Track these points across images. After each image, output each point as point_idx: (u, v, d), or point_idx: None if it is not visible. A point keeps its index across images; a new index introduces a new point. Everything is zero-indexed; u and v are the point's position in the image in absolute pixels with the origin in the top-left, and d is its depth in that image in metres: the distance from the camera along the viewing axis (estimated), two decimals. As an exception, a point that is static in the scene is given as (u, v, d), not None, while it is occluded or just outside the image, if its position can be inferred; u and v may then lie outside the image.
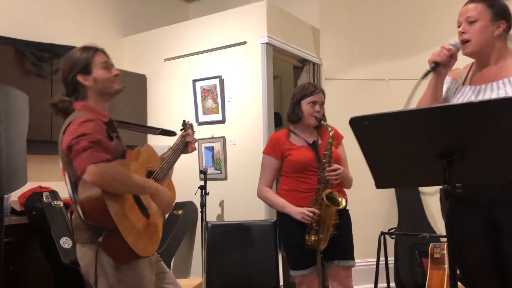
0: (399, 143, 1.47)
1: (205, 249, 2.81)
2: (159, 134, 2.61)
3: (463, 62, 2.01)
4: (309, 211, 2.42)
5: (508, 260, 1.77)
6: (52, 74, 3.72)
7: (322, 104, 2.62)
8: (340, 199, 2.46)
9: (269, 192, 2.63)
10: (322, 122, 2.53)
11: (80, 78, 1.87)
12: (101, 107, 1.94)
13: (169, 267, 3.97)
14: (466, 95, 1.89)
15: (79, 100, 1.90)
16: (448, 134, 1.39)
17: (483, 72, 1.90)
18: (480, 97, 1.85)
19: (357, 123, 1.48)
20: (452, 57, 1.84)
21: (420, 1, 4.55)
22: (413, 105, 1.92)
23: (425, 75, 1.84)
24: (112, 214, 1.68)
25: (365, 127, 1.48)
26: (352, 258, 2.57)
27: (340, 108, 4.48)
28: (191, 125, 2.53)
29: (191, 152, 2.40)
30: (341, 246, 2.53)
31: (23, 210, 3.35)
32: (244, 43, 3.94)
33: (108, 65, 1.94)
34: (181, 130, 2.48)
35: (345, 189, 2.64)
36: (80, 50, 1.93)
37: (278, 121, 4.90)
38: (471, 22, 1.85)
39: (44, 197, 3.34)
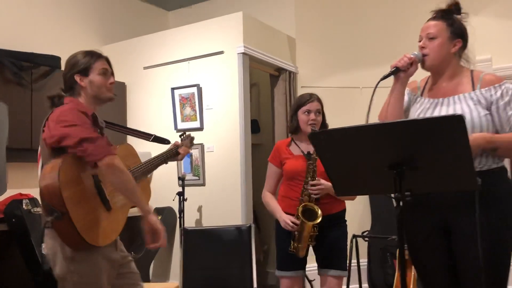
0: (354, 155, 1.60)
1: (182, 254, 2.91)
2: (152, 140, 2.69)
3: (421, 75, 2.17)
4: (291, 221, 2.52)
5: (459, 261, 1.90)
6: (32, 83, 3.78)
7: (317, 111, 2.64)
8: (318, 212, 2.49)
9: (269, 197, 2.74)
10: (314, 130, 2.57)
11: (77, 77, 2.04)
12: (90, 106, 2.06)
13: (148, 271, 4.07)
14: (425, 106, 2.04)
15: (71, 96, 2.05)
16: (397, 147, 1.52)
17: (441, 87, 2.05)
18: (438, 109, 1.99)
19: (315, 138, 1.61)
20: (412, 64, 1.98)
21: (392, 12, 4.72)
22: (376, 110, 2.08)
23: (385, 77, 1.97)
24: (64, 197, 1.78)
25: (322, 141, 1.61)
26: (344, 268, 2.64)
27: (315, 115, 4.63)
28: (191, 139, 2.69)
29: (179, 160, 2.55)
30: (336, 256, 2.60)
31: (3, 217, 3.38)
32: (221, 52, 4.05)
33: (106, 72, 2.10)
34: (180, 136, 2.68)
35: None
36: (84, 53, 2.10)
37: (255, 128, 5.04)
38: (431, 38, 2.00)
39: (23, 204, 3.39)
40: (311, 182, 2.52)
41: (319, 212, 2.49)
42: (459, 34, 2.02)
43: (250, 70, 4.40)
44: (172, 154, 2.44)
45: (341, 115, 4.58)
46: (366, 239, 4.16)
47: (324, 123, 2.72)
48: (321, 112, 2.68)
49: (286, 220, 2.54)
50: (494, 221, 1.85)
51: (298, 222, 2.51)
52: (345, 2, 4.83)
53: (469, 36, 2.07)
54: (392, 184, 1.55)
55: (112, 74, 2.15)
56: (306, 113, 2.62)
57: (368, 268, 4.27)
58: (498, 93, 1.91)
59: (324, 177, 2.49)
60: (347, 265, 3.74)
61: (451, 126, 1.41)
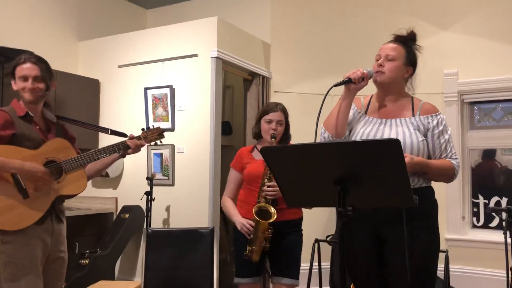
0: (302, 171, 1.69)
1: (144, 254, 2.97)
2: (110, 134, 2.78)
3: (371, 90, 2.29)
4: (248, 223, 2.60)
5: (389, 268, 2.08)
6: (3, 77, 3.77)
7: (279, 122, 2.71)
8: (272, 212, 2.57)
9: (227, 202, 2.82)
10: (272, 140, 2.66)
11: (12, 82, 2.31)
12: (28, 104, 2.27)
13: (114, 268, 4.11)
14: (370, 125, 2.19)
15: (17, 98, 2.32)
16: (342, 165, 1.62)
17: (385, 108, 2.21)
18: (381, 128, 2.15)
19: (267, 152, 1.70)
20: (363, 79, 2.11)
21: (364, 23, 4.84)
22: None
23: (337, 84, 2.10)
24: None
25: (274, 155, 1.70)
26: (296, 277, 2.68)
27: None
28: (160, 131, 2.66)
29: (131, 153, 2.54)
30: (287, 263, 2.66)
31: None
32: (195, 55, 4.11)
33: (25, 78, 2.26)
34: (142, 129, 2.66)
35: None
36: (19, 57, 2.31)
37: (228, 130, 5.11)
38: (390, 59, 2.16)
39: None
40: (267, 184, 2.58)
41: (273, 211, 2.56)
42: (413, 62, 2.21)
43: (225, 72, 4.48)
44: (119, 148, 2.45)
45: (312, 121, 4.69)
46: (330, 243, 4.28)
47: (286, 134, 2.78)
48: (283, 123, 2.74)
49: (243, 221, 2.62)
50: (422, 233, 2.04)
51: (253, 224, 2.58)
52: (320, 10, 4.94)
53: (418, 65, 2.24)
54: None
55: (36, 79, 2.27)
56: (268, 122, 2.70)
57: (330, 272, 4.39)
58: (434, 122, 2.13)
59: None
60: (309, 268, 3.89)
61: (389, 148, 1.51)
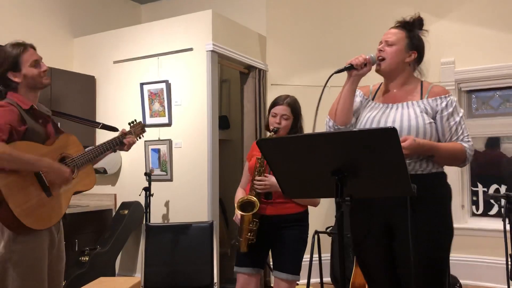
0: (299, 162, 1.68)
1: (144, 249, 2.97)
2: (100, 128, 2.72)
3: (375, 80, 2.26)
4: (237, 214, 2.59)
5: (399, 258, 2.02)
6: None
7: (283, 116, 2.65)
8: (256, 203, 2.53)
9: (238, 191, 2.78)
10: (272, 133, 2.60)
11: (10, 75, 2.14)
12: (29, 96, 2.19)
13: (114, 264, 4.11)
14: (377, 110, 2.14)
15: (11, 91, 2.17)
16: (339, 156, 1.60)
17: (392, 93, 2.16)
18: (386, 113, 2.09)
19: (263, 144, 1.69)
20: (366, 65, 2.08)
21: (361, 14, 4.82)
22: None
23: (339, 71, 2.08)
24: (1, 186, 1.95)
25: (270, 147, 1.69)
26: (297, 272, 2.62)
27: (284, 113, 4.72)
28: (142, 126, 2.68)
29: (126, 150, 2.54)
30: (288, 260, 2.60)
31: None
32: (191, 49, 4.09)
33: (37, 62, 2.19)
34: (129, 123, 2.65)
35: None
36: (10, 47, 2.17)
37: (225, 123, 5.09)
38: (390, 44, 2.11)
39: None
40: (256, 178, 2.57)
41: (257, 203, 2.52)
42: (416, 46, 2.14)
43: (222, 66, 4.46)
44: (116, 143, 2.45)
45: (309, 113, 4.68)
46: (330, 234, 4.28)
47: (295, 129, 2.69)
48: (289, 117, 2.66)
49: (236, 213, 2.61)
50: (433, 221, 1.98)
51: (242, 214, 2.55)
52: (316, 2, 4.91)
53: (425, 50, 2.17)
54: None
55: (42, 60, 2.23)
56: (273, 115, 2.66)
57: (331, 263, 4.40)
58: (443, 104, 2.04)
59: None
60: (309, 259, 3.89)
61: (385, 137, 1.50)
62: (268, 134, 2.71)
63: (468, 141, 2.05)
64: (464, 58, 4.38)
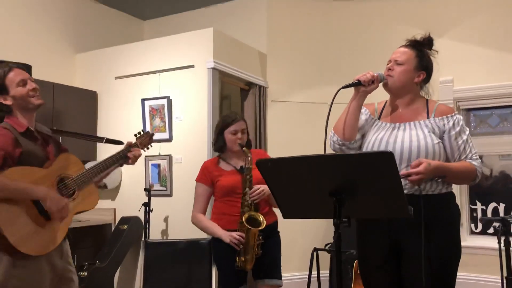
0: (297, 182, 1.71)
1: (143, 266, 2.97)
2: (105, 142, 2.70)
3: (383, 97, 2.29)
4: (238, 235, 2.61)
5: (407, 279, 2.03)
6: None
7: (243, 131, 2.78)
8: (261, 219, 2.63)
9: (201, 217, 2.83)
10: (244, 148, 2.70)
11: (1, 98, 2.11)
12: (25, 118, 2.14)
13: (113, 279, 4.10)
14: (383, 130, 2.15)
15: (7, 114, 2.12)
16: (337, 177, 1.63)
17: (398, 112, 2.18)
18: (394, 133, 2.10)
19: (262, 165, 1.71)
20: (373, 82, 2.10)
21: (358, 31, 4.88)
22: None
23: (347, 86, 2.10)
24: None
25: (269, 168, 1.71)
26: (279, 277, 2.72)
27: (284, 129, 4.77)
28: (150, 136, 2.59)
29: (132, 164, 2.46)
30: (269, 265, 2.70)
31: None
32: (192, 66, 4.13)
33: (24, 82, 2.12)
34: (135, 135, 2.59)
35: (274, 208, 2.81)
36: None
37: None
38: (399, 63, 2.13)
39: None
40: (252, 190, 2.64)
41: (262, 218, 2.62)
42: (425, 67, 2.15)
43: (222, 82, 4.50)
44: (119, 158, 2.38)
45: (309, 129, 4.73)
46: (329, 251, 4.28)
47: (248, 141, 2.86)
48: (245, 131, 2.81)
49: (233, 234, 2.61)
50: (441, 243, 1.98)
51: (243, 234, 2.60)
52: (316, 19, 4.98)
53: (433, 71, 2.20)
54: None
55: (31, 79, 2.17)
56: (233, 132, 2.74)
57: (329, 280, 4.39)
58: (450, 123, 2.06)
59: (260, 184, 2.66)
60: (308, 276, 3.89)
61: (382, 161, 1.53)
62: (214, 153, 2.84)
63: (477, 158, 2.07)
64: (463, 77, 4.42)
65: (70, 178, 2.21)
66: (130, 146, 2.44)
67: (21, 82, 2.11)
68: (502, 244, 1.97)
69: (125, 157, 2.40)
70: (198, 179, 2.86)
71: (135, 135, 2.59)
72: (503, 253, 2.02)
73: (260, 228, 2.60)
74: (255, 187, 2.65)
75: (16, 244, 1.96)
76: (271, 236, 2.75)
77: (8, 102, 2.11)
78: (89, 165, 2.43)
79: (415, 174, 1.90)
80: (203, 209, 2.85)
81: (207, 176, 2.80)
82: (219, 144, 2.81)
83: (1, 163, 1.98)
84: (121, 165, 2.45)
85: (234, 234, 2.62)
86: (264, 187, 2.63)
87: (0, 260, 2.01)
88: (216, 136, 2.84)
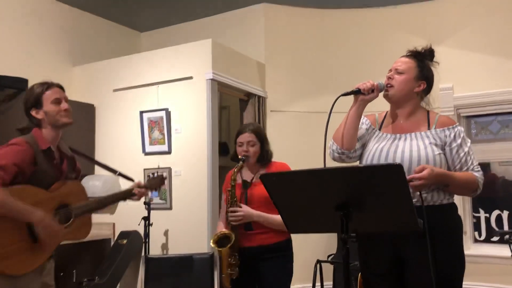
0: (303, 196, 1.66)
1: (143, 281, 2.92)
2: (117, 175, 2.73)
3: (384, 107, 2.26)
4: (231, 210, 2.55)
5: None
6: (-1, 104, 3.75)
7: (249, 143, 2.64)
8: (231, 237, 2.50)
9: (219, 225, 2.72)
10: (240, 163, 2.61)
11: (32, 112, 2.22)
12: (52, 135, 2.24)
13: (113, 295, 4.02)
14: (384, 141, 2.13)
15: (37, 127, 2.23)
16: (343, 191, 1.59)
17: (399, 123, 2.16)
18: (395, 143, 2.08)
19: (267, 179, 1.67)
20: (373, 91, 2.08)
21: (357, 40, 4.87)
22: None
23: (346, 94, 2.07)
24: None
25: (274, 182, 1.67)
26: None
27: (284, 138, 4.72)
28: (160, 178, 2.72)
29: (135, 200, 2.57)
30: None
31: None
32: (191, 78, 4.10)
33: (58, 100, 2.24)
34: (148, 175, 2.63)
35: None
36: (36, 85, 2.26)
37: (225, 150, 5.09)
38: (399, 72, 2.12)
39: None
40: (230, 209, 2.55)
41: (232, 237, 2.49)
42: (425, 77, 2.14)
43: (221, 93, 4.47)
44: (125, 195, 2.48)
45: (309, 139, 4.70)
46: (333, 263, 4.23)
47: (263, 153, 2.69)
48: (255, 143, 2.66)
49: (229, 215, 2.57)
50: (446, 253, 1.95)
51: (238, 209, 2.54)
52: (314, 29, 4.96)
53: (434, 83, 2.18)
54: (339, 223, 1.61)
55: (66, 100, 2.28)
56: (240, 144, 2.67)
57: (335, 292, 4.32)
58: (452, 135, 2.04)
59: (262, 204, 2.53)
60: (312, 287, 3.83)
61: (391, 173, 1.48)
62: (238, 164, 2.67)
63: (478, 170, 2.06)
64: (463, 84, 4.41)
65: (70, 206, 2.25)
66: (138, 186, 2.53)
67: (55, 100, 2.23)
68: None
69: (131, 194, 2.50)
70: (223, 188, 2.79)
71: (148, 175, 2.74)
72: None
73: (225, 248, 2.48)
74: (237, 208, 2.54)
75: None
76: (279, 258, 2.58)
77: (39, 116, 2.22)
78: (87, 180, 2.43)
79: (417, 179, 1.87)
80: (223, 217, 2.72)
81: (225, 185, 2.73)
82: (234, 155, 2.75)
83: (11, 179, 2.03)
84: (124, 200, 2.55)
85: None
86: (245, 212, 2.51)
87: None
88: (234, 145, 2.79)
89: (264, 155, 2.70)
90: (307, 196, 1.65)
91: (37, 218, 2.06)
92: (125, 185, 2.64)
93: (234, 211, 2.52)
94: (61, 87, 2.31)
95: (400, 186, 1.48)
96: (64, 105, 2.25)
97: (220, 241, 2.53)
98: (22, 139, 2.15)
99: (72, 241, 2.32)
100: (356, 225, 1.60)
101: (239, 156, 2.64)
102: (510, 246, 1.95)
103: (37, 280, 2.15)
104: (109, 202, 2.41)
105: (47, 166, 2.19)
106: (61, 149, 2.33)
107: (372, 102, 2.14)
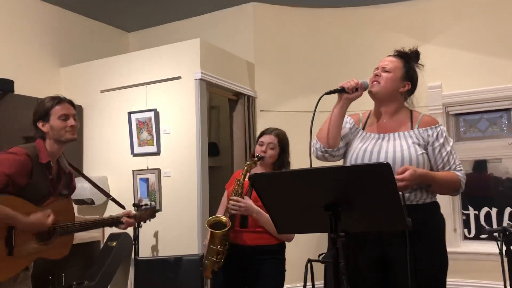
0: (292, 196, 1.65)
1: (133, 284, 2.89)
2: (110, 200, 2.79)
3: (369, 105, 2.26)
4: (233, 200, 2.51)
5: None
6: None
7: (269, 145, 2.62)
8: (225, 223, 2.48)
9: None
10: (255, 159, 2.57)
11: (39, 124, 2.28)
12: (54, 148, 2.28)
13: (103, 298, 3.99)
14: (368, 140, 2.15)
15: (41, 138, 2.27)
16: (332, 190, 1.58)
17: (383, 123, 2.18)
18: (378, 143, 2.10)
19: (256, 180, 1.66)
20: (357, 89, 2.09)
21: (346, 39, 4.88)
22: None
23: (330, 92, 2.09)
24: None
25: (262, 183, 1.66)
26: None
27: (273, 139, 4.71)
28: (153, 210, 2.81)
29: (122, 229, 2.61)
30: None
31: None
32: (179, 78, 4.07)
33: (66, 116, 2.27)
34: (140, 205, 2.78)
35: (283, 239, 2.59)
36: (48, 98, 2.31)
37: (215, 150, 5.06)
38: (386, 71, 2.14)
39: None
40: (232, 197, 2.51)
41: (227, 222, 2.47)
42: (411, 77, 2.17)
43: (210, 93, 4.45)
44: (113, 223, 2.53)
45: (298, 138, 4.68)
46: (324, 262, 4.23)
47: (280, 161, 2.66)
48: (275, 147, 2.64)
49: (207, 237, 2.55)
50: (429, 252, 1.97)
51: (240, 199, 2.50)
52: (303, 28, 4.96)
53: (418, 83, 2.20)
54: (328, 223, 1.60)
55: (74, 117, 2.32)
56: (260, 144, 2.65)
57: (326, 291, 4.32)
58: (434, 135, 2.07)
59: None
60: (303, 287, 3.82)
61: (380, 172, 1.48)
62: (248, 160, 2.68)
63: (460, 169, 2.08)
64: (451, 82, 4.43)
65: (56, 224, 2.26)
66: (128, 216, 2.57)
67: (63, 116, 2.27)
68: (504, 254, 1.94)
69: (118, 223, 2.55)
70: (227, 186, 2.77)
71: (141, 205, 2.85)
72: (505, 262, 1.99)
73: (222, 231, 2.46)
74: (240, 198, 2.51)
75: None
76: (272, 260, 2.54)
77: (45, 129, 2.26)
78: (76, 182, 2.43)
79: (400, 180, 1.88)
80: (221, 213, 2.68)
81: (230, 183, 2.73)
82: (252, 152, 2.78)
83: (1, 188, 2.04)
84: (111, 226, 2.59)
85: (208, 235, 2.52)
86: (246, 204, 2.48)
87: None
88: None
89: (281, 163, 2.66)
90: (297, 196, 1.64)
91: (21, 221, 2.08)
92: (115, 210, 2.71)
93: (237, 201, 2.49)
94: (71, 104, 2.35)
95: (388, 185, 1.48)
96: (70, 122, 2.28)
97: (215, 226, 2.50)
98: (22, 150, 2.17)
99: (50, 258, 2.32)
100: (345, 224, 1.60)
101: (256, 154, 2.63)
102: (497, 244, 1.96)
103: (11, 285, 2.15)
104: (94, 227, 2.48)
105: (42, 180, 2.21)
106: (60, 164, 2.36)
107: (358, 100, 2.14)
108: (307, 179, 1.58)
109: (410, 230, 1.64)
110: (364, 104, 2.26)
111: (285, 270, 2.62)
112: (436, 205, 2.08)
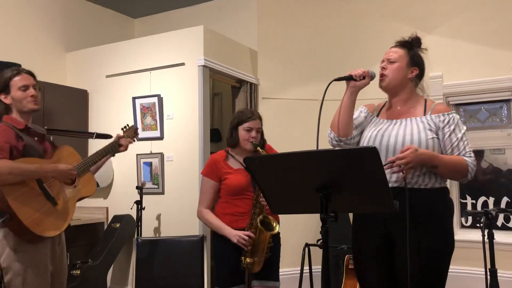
0: (285, 178, 1.73)
1: (135, 264, 2.99)
2: (95, 138, 2.90)
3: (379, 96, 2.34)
4: (245, 235, 2.54)
5: (399, 271, 2.07)
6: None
7: (258, 130, 2.69)
8: (274, 224, 2.61)
9: (208, 213, 2.72)
10: (258, 148, 2.60)
11: (1, 96, 2.31)
12: (23, 119, 2.33)
13: (106, 277, 4.11)
14: (380, 125, 2.22)
15: (6, 113, 2.32)
16: (323, 173, 1.65)
17: (396, 109, 2.25)
18: (390, 128, 2.17)
19: (250, 162, 1.73)
20: (364, 77, 2.17)
21: (349, 28, 4.90)
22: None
23: (339, 79, 2.16)
24: (9, 201, 2.07)
25: (256, 165, 1.73)
26: (277, 279, 2.71)
27: (276, 126, 4.77)
28: (134, 129, 2.87)
29: (124, 151, 2.74)
30: (268, 267, 2.65)
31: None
32: (183, 64, 4.14)
33: (26, 87, 2.31)
34: (122, 129, 2.84)
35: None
36: (6, 70, 2.34)
37: (217, 136, 5.14)
38: (391, 62, 2.20)
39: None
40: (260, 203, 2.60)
41: (275, 224, 2.61)
42: (417, 62, 2.23)
43: (213, 80, 4.51)
44: (113, 147, 2.65)
45: (301, 126, 4.76)
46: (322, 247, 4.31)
47: (262, 140, 2.77)
48: (260, 130, 2.73)
49: (240, 234, 2.55)
50: (435, 236, 2.04)
51: (253, 236, 2.55)
52: (306, 16, 4.99)
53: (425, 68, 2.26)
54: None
55: (34, 87, 2.35)
56: (247, 130, 2.67)
57: (322, 275, 4.41)
58: (446, 121, 2.11)
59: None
60: (300, 272, 3.91)
61: (366, 156, 1.55)
62: (230, 149, 2.77)
63: (470, 156, 2.09)
64: (452, 72, 4.45)
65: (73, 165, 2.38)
66: (119, 138, 2.72)
67: (23, 86, 2.29)
68: (486, 237, 2.00)
69: (119, 145, 2.67)
70: (206, 174, 2.75)
71: (122, 128, 2.86)
72: (487, 246, 2.05)
73: (273, 233, 2.59)
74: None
75: (30, 226, 2.11)
76: (274, 238, 2.69)
77: (7, 101, 2.30)
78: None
79: (401, 158, 1.94)
80: (210, 205, 2.75)
81: (216, 172, 2.71)
82: (233, 140, 2.71)
83: (9, 155, 2.14)
84: (113, 155, 2.70)
85: (242, 234, 2.55)
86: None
87: (6, 244, 2.15)
88: (230, 131, 2.74)
89: (262, 143, 2.76)
90: (289, 179, 1.72)
91: (50, 169, 2.22)
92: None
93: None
94: (31, 74, 2.37)
95: (375, 169, 1.55)
96: (31, 92, 2.31)
97: (262, 225, 2.58)
98: None
99: (86, 195, 2.50)
100: (335, 206, 1.67)
101: (250, 141, 2.65)
102: (482, 230, 2.02)
103: (50, 248, 2.30)
104: (102, 154, 2.56)
105: (32, 142, 2.30)
106: (36, 130, 2.40)
107: (367, 90, 2.21)
108: (299, 161, 1.66)
109: (397, 212, 1.70)
110: (374, 93, 2.32)
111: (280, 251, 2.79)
112: (445, 190, 2.13)
